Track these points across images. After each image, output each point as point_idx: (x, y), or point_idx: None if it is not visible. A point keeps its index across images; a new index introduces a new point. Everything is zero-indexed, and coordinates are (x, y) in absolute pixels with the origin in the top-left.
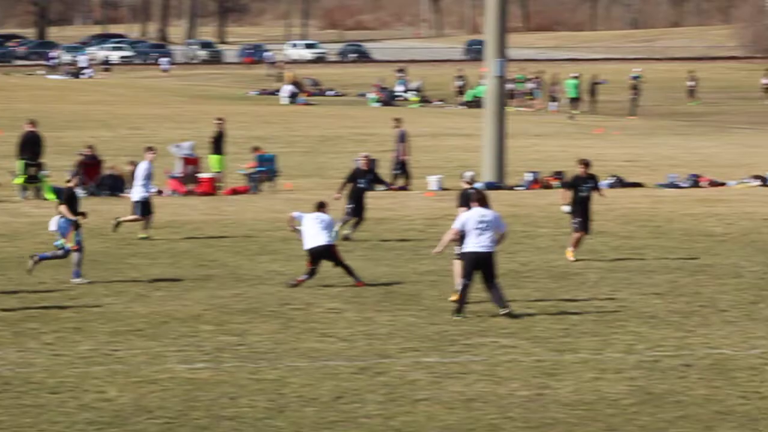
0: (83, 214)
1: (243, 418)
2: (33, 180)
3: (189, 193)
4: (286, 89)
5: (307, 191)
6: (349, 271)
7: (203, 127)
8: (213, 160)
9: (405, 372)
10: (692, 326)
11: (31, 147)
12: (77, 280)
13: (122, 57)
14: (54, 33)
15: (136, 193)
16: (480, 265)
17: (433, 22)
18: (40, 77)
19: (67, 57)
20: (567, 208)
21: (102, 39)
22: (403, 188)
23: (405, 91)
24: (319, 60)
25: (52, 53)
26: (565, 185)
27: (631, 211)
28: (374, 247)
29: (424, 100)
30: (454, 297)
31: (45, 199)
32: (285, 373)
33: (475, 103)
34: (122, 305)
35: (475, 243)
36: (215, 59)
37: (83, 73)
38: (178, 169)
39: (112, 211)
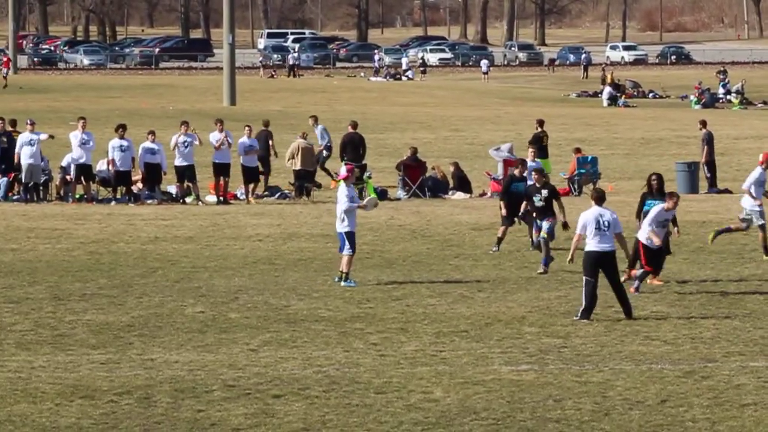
0: None
1: (568, 420)
2: (357, 181)
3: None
4: (607, 91)
5: (629, 194)
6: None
7: (524, 129)
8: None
9: (731, 376)
10: None
11: (352, 148)
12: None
13: (441, 59)
14: (374, 35)
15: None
16: (602, 264)
17: (754, 23)
18: (362, 79)
19: (387, 59)
20: None
21: (422, 41)
22: (726, 190)
23: (726, 94)
24: (639, 62)
25: (376, 56)
26: None
27: None
28: (698, 250)
29: (746, 103)
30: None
31: None
32: (610, 376)
33: None
34: (446, 306)
35: (596, 243)
36: (535, 61)
37: (405, 75)
38: (499, 171)
39: (434, 213)
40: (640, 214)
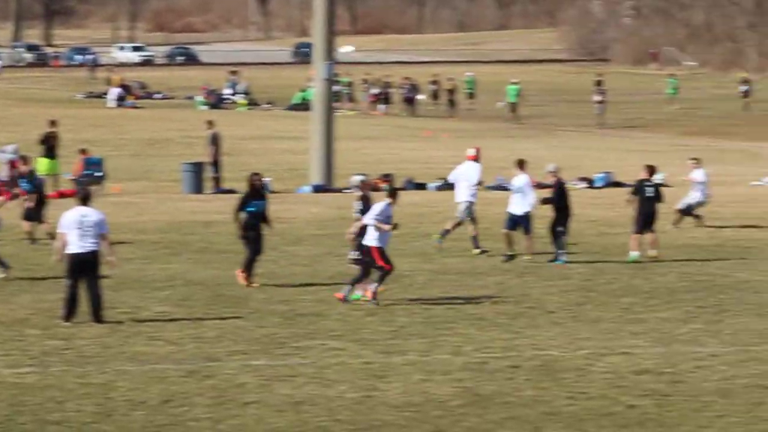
0: None
1: (70, 422)
2: None
3: (14, 197)
4: (114, 92)
5: (135, 194)
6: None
7: (30, 130)
8: (42, 163)
9: (233, 375)
10: (520, 328)
11: None
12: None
13: None
14: None
15: None
16: (83, 266)
17: (261, 24)
18: None
19: None
20: None
21: None
22: (231, 190)
23: (233, 94)
24: (147, 63)
25: None
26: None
27: None
28: (203, 250)
29: (252, 103)
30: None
31: None
32: (113, 377)
33: (303, 106)
34: None
35: (77, 244)
36: (42, 62)
37: None
38: (4, 173)
39: None
40: (238, 214)
